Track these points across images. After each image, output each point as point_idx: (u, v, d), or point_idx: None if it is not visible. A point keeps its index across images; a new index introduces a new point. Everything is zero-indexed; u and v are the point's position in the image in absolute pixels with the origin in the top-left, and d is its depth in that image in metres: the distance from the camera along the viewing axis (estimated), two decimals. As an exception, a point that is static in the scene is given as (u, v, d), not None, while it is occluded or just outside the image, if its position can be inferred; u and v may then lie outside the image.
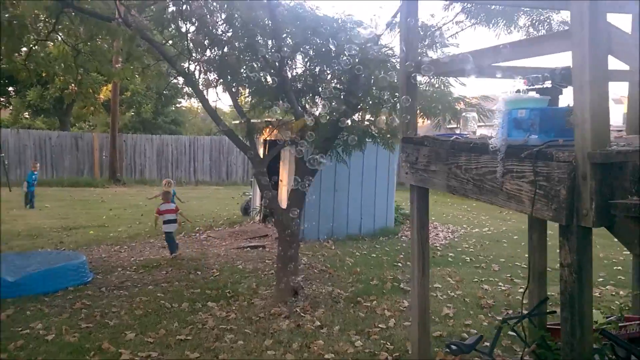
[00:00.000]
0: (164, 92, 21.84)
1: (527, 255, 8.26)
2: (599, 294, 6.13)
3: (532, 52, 2.30)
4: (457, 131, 3.47)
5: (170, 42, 6.93)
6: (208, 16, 5.86)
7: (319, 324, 5.04)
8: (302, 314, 5.31)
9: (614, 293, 6.17)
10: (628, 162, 1.92)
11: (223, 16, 5.82)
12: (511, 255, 8.24)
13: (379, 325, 4.98)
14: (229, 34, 6.04)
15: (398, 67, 5.76)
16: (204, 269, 7.24)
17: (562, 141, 2.23)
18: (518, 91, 2.38)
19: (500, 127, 2.41)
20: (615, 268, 7.53)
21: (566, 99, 2.38)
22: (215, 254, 8.22)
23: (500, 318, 5.21)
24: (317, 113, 6.14)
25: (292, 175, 9.62)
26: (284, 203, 6.82)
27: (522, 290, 6.28)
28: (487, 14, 5.52)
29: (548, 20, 6.10)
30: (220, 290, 6.12)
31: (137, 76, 9.88)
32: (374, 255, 8.08)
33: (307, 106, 6.11)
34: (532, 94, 2.40)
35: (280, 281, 5.76)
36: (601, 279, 6.85)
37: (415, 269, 3.41)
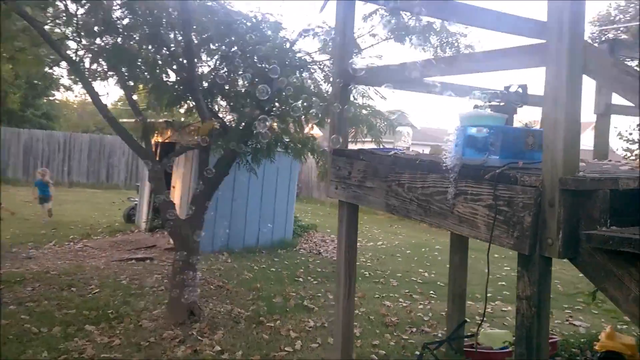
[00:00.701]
0: (36, 82, 19.58)
1: (421, 270, 8.52)
2: (491, 309, 6.38)
3: (492, 66, 2.16)
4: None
5: (55, 22, 6.02)
6: (104, -3, 5.15)
7: (219, 348, 4.56)
8: (199, 338, 4.78)
9: (504, 309, 6.46)
10: (598, 190, 1.81)
11: (122, -1, 5.14)
12: (407, 270, 8.37)
13: (286, 349, 4.64)
14: (127, 21, 5.37)
15: (316, 75, 5.57)
16: (80, 284, 6.34)
17: (521, 163, 2.10)
18: (476, 107, 2.22)
19: (454, 145, 2.23)
20: (499, 283, 7.97)
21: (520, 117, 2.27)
22: (94, 267, 7.29)
23: (406, 337, 5.16)
24: (226, 117, 5.68)
25: (187, 182, 8.95)
26: (177, 211, 6.21)
27: (422, 306, 6.34)
28: (405, 30, 5.50)
29: (457, 43, 6.27)
30: (101, 311, 5.35)
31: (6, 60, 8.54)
32: (274, 270, 7.72)
33: (216, 108, 5.62)
34: (487, 111, 2.26)
35: (174, 300, 5.17)
36: (490, 295, 7.17)
37: (340, 292, 3.13)
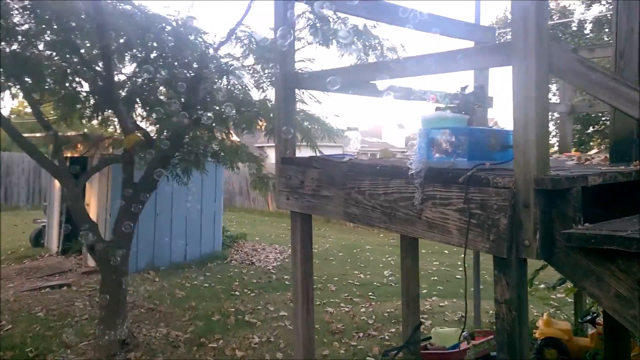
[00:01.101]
0: None
1: (356, 272, 8.53)
2: (430, 305, 6.50)
3: (453, 67, 2.10)
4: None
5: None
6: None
7: (160, 378, 4.22)
8: (136, 369, 4.40)
9: (441, 304, 6.61)
10: (572, 188, 1.81)
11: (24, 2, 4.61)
12: (342, 273, 8.35)
13: (233, 370, 4.39)
14: (28, 26, 4.83)
15: (244, 80, 5.35)
16: (-11, 321, 5.64)
17: (488, 164, 2.06)
18: (438, 109, 2.16)
19: (419, 148, 2.16)
20: (432, 279, 8.18)
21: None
22: (2, 301, 6.52)
23: (354, 343, 5.09)
24: (150, 128, 5.30)
25: (103, 198, 8.31)
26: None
27: (364, 310, 6.32)
28: (332, 33, 5.43)
29: (380, 46, 6.31)
30: (18, 350, 4.76)
31: None
32: (207, 285, 7.36)
33: (140, 118, 5.22)
34: (448, 112, 2.21)
35: (102, 329, 4.72)
36: (425, 291, 7.33)
37: (299, 309, 2.96)
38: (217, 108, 5.00)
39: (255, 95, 5.54)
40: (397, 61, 2.23)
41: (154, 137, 4.98)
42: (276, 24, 2.96)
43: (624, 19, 2.47)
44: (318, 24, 5.31)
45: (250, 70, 5.39)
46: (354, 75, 2.59)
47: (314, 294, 3.06)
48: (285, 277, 7.97)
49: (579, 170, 2.04)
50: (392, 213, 2.31)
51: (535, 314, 5.75)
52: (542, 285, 4.87)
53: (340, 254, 10.02)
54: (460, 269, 8.85)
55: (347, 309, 6.26)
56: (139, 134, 4.58)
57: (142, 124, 5.48)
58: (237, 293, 6.97)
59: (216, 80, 5.12)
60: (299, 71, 4.37)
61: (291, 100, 3.00)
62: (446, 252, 10.08)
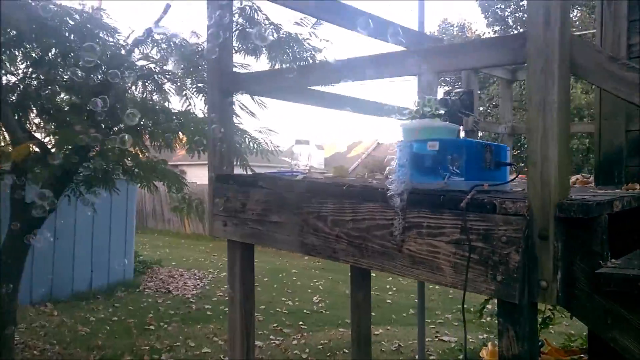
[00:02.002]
0: None
1: (284, 299, 7.97)
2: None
3: (454, 64, 1.72)
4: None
5: None
6: None
7: None
8: None
9: (375, 332, 6.24)
10: (600, 216, 1.46)
11: None
12: (269, 301, 7.76)
13: None
14: None
15: (165, 87, 4.71)
16: None
17: (486, 186, 1.68)
18: (424, 115, 1.75)
19: (398, 166, 1.73)
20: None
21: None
22: None
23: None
24: (46, 137, 4.48)
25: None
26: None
27: (295, 342, 5.79)
28: (261, 40, 4.94)
29: (312, 56, 5.91)
30: None
31: None
32: (117, 319, 6.45)
33: (34, 127, 4.40)
34: (437, 121, 1.80)
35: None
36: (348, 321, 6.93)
37: (236, 354, 2.40)
38: (131, 117, 4.32)
39: (177, 105, 4.92)
40: (380, 57, 1.80)
41: (53, 150, 4.19)
42: (210, 11, 2.44)
43: (610, 27, 2.25)
44: (248, 29, 4.81)
45: (169, 75, 4.76)
46: (316, 75, 2.14)
47: (254, 340, 2.52)
48: (207, 306, 7.25)
49: (602, 195, 1.71)
50: (363, 244, 1.85)
51: (471, 340, 5.55)
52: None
53: (265, 279, 9.42)
54: (391, 292, 8.59)
55: (277, 342, 5.70)
56: (31, 145, 3.80)
57: (40, 135, 4.65)
58: (151, 327, 6.15)
59: (129, 86, 4.45)
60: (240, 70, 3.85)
61: (228, 105, 2.48)
62: (373, 274, 9.82)
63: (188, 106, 4.77)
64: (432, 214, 1.66)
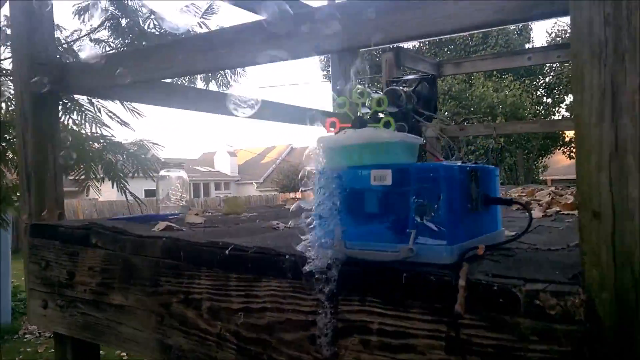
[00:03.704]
0: None
1: None
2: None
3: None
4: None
5: None
6: None
7: None
8: None
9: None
10: None
11: None
12: None
13: None
14: None
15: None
16: None
17: (482, 249, 0.92)
18: (360, 122, 0.93)
19: (318, 215, 0.93)
20: None
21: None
22: None
23: None
24: None
25: None
26: None
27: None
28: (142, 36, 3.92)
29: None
30: None
31: None
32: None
33: None
34: (386, 130, 1.01)
35: None
36: None
37: None
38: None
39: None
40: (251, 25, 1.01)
41: None
42: None
43: None
44: (123, 21, 3.74)
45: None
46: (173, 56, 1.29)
47: None
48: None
49: None
50: (264, 356, 1.04)
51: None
52: None
53: None
54: None
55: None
56: None
57: None
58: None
59: None
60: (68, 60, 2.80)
61: (51, 110, 1.56)
62: None
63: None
64: (388, 308, 0.89)
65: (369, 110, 1.01)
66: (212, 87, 4.53)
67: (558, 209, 1.98)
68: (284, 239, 1.15)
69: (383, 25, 1.08)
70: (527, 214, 1.00)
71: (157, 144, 3.08)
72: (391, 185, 0.90)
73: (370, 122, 0.98)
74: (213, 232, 1.34)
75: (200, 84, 4.59)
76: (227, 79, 4.64)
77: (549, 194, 2.29)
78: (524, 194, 2.68)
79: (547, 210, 2.01)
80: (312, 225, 0.94)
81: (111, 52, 3.24)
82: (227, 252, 1.09)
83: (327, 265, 0.92)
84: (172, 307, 1.18)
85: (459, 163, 0.98)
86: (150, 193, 4.68)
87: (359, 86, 1.00)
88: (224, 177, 27.87)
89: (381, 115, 0.99)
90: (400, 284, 0.87)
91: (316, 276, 0.93)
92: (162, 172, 1.65)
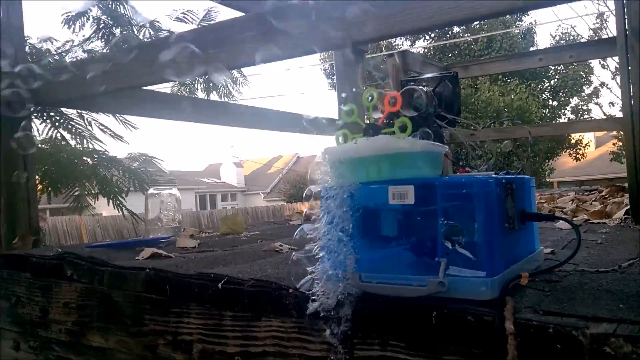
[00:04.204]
0: None
1: None
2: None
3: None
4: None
5: None
6: None
7: None
8: None
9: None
10: None
11: None
12: None
13: None
14: None
15: None
16: None
17: (525, 279, 0.75)
18: (372, 129, 0.76)
19: (324, 248, 0.76)
20: None
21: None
22: None
23: None
24: None
25: None
26: None
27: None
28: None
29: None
30: None
31: None
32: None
33: None
34: (385, 141, 0.84)
35: None
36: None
37: None
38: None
39: None
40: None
41: None
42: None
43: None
44: (115, 28, 3.57)
45: None
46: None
47: None
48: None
49: None
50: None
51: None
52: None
53: None
54: None
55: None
56: None
57: None
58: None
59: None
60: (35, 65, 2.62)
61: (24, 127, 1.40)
62: None
63: None
64: (414, 353, 0.71)
65: (381, 115, 0.84)
66: (214, 97, 4.39)
67: (586, 217, 1.80)
68: (287, 266, 0.98)
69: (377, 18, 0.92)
70: (571, 229, 0.82)
71: (154, 157, 2.92)
72: (414, 204, 0.73)
73: (384, 128, 0.82)
74: (206, 258, 1.18)
75: (201, 95, 4.45)
76: (228, 89, 4.50)
77: (572, 200, 2.11)
78: (543, 201, 2.50)
79: (574, 219, 1.83)
80: (318, 255, 0.77)
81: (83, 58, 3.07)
82: (219, 285, 0.92)
83: (337, 300, 0.75)
84: (158, 350, 1.01)
85: (492, 174, 0.81)
86: (150, 210, 4.50)
87: (369, 89, 0.84)
88: (231, 188, 27.74)
89: (402, 119, 0.82)
90: (429, 325, 0.70)
91: (324, 314, 0.76)
92: (151, 190, 1.49)
